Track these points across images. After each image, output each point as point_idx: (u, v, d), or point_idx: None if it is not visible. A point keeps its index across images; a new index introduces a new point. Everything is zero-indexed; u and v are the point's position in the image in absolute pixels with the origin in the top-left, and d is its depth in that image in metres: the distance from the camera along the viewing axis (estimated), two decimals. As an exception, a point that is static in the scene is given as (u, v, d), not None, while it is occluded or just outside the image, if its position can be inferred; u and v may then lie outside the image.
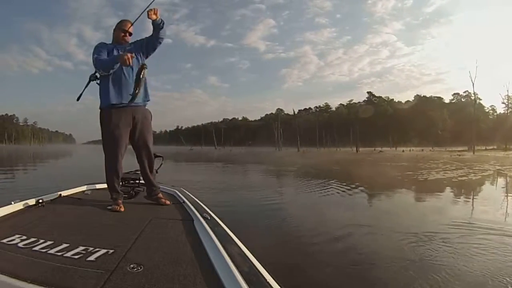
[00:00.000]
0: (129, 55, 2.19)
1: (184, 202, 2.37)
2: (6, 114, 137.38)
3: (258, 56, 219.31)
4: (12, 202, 2.02)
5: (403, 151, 54.75)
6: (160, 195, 2.46)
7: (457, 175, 10.70)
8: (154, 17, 2.30)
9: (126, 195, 2.65)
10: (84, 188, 2.97)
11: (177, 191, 2.80)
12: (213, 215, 1.91)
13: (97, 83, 2.39)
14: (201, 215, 1.87)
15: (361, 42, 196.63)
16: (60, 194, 2.50)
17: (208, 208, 2.11)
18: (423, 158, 25.17)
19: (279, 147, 68.82)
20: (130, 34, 2.48)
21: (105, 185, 3.14)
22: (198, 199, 2.41)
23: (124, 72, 2.34)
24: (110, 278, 1.06)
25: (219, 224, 1.71)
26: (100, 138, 2.38)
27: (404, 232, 3.50)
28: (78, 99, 2.50)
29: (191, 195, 2.55)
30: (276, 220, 4.15)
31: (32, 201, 2.13)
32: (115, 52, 2.37)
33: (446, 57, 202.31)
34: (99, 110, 2.35)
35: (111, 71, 2.30)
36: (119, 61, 2.22)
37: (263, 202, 5.52)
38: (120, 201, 2.29)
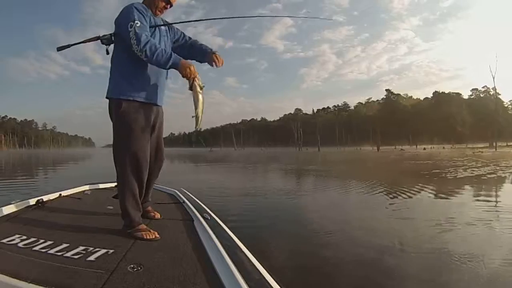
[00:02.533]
0: (192, 68, 1.67)
1: (184, 202, 2.32)
2: (25, 120, 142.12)
3: (276, 56, 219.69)
4: (12, 202, 2.00)
5: (424, 149, 54.56)
6: (150, 208, 2.00)
7: (488, 172, 10.73)
8: (215, 66, 1.90)
9: None
10: (84, 188, 2.92)
11: (177, 191, 2.74)
12: (213, 215, 1.90)
13: (107, 49, 1.79)
14: (201, 215, 1.87)
15: (379, 39, 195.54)
16: (60, 194, 2.48)
17: (209, 208, 2.10)
18: (446, 156, 24.92)
19: (299, 147, 69.63)
20: (171, 6, 1.88)
21: (105, 185, 3.12)
22: (199, 199, 2.38)
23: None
24: (110, 278, 1.06)
25: (219, 224, 1.72)
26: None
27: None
28: (59, 49, 1.91)
29: (191, 195, 2.51)
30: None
31: (32, 201, 2.11)
32: (157, 34, 1.79)
33: (464, 52, 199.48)
34: (118, 100, 1.71)
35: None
36: (179, 69, 1.66)
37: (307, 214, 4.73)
38: (144, 226, 1.69)
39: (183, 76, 1.67)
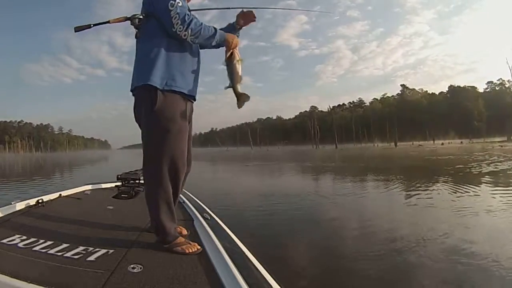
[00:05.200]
0: (236, 39, 1.61)
1: (184, 202, 2.29)
2: (41, 124, 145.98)
3: (291, 54, 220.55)
4: (12, 202, 2.01)
5: (442, 144, 54.39)
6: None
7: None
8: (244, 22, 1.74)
9: (126, 195, 2.64)
10: (84, 188, 2.92)
11: None
12: (213, 215, 1.90)
13: (137, 32, 1.54)
14: (201, 215, 1.87)
15: (394, 33, 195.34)
16: (60, 194, 2.48)
17: (210, 208, 2.09)
18: (468, 151, 24.59)
19: (316, 145, 70.02)
20: None
21: (105, 185, 3.09)
22: (199, 199, 2.37)
23: (198, 56, 1.64)
24: (110, 278, 1.07)
25: (219, 224, 1.72)
26: (137, 143, 1.65)
27: None
28: (77, 29, 1.56)
29: (191, 195, 2.49)
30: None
31: (32, 201, 2.11)
32: (197, 18, 1.53)
33: (479, 44, 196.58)
34: (152, 90, 1.44)
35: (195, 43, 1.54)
36: (225, 42, 1.57)
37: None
38: (182, 239, 1.46)
39: (227, 47, 1.59)
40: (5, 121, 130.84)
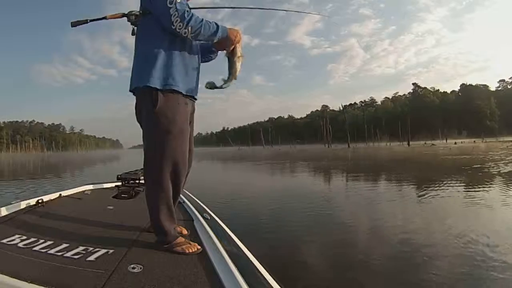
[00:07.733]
0: (240, 33, 1.59)
1: (184, 202, 2.27)
2: (53, 123, 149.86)
3: (304, 52, 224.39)
4: (12, 202, 2.01)
5: (455, 143, 54.06)
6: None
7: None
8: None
9: (126, 195, 2.67)
10: (84, 188, 2.92)
11: None
12: (213, 215, 1.90)
13: (134, 29, 1.53)
14: (201, 215, 1.87)
15: (406, 31, 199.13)
16: (60, 194, 2.49)
17: (210, 208, 2.09)
18: (480, 150, 24.64)
19: (329, 144, 69.52)
20: None
21: (105, 185, 3.13)
22: (198, 199, 2.37)
23: (197, 54, 1.61)
24: (110, 278, 1.07)
25: (219, 224, 1.73)
26: None
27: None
28: (74, 24, 1.57)
29: (191, 195, 2.46)
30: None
31: (32, 201, 2.11)
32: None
33: (492, 42, 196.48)
34: (153, 91, 1.41)
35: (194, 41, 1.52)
36: (228, 36, 1.54)
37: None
38: (182, 239, 1.45)
39: (230, 42, 1.56)
40: (17, 121, 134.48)
